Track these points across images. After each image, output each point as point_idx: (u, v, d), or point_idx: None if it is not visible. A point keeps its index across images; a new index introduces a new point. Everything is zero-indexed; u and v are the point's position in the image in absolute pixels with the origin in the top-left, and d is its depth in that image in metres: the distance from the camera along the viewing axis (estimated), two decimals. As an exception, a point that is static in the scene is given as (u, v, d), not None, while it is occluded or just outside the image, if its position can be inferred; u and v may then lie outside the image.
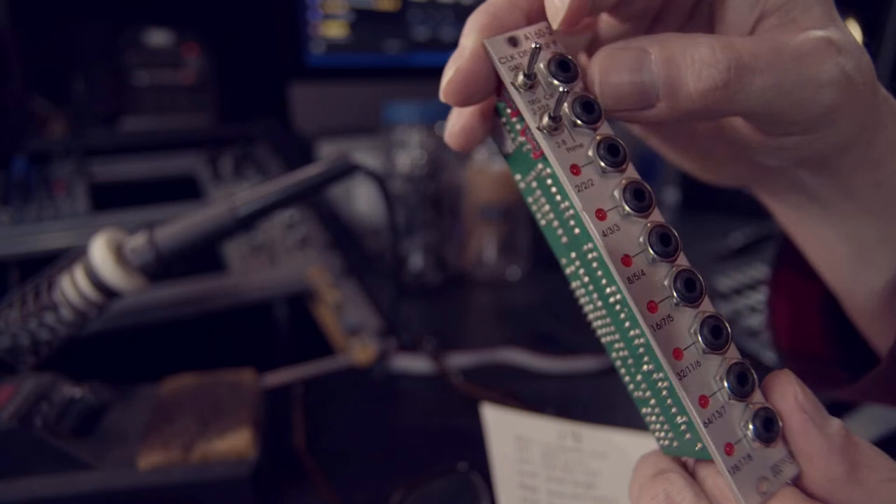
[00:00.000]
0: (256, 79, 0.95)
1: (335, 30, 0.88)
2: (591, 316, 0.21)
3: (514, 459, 0.41)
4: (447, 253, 0.79)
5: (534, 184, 0.21)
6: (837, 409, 0.45)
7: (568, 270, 0.21)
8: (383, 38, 0.92)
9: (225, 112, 0.92)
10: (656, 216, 0.19)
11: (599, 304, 0.20)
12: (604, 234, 0.18)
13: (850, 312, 0.31)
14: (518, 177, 0.22)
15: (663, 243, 0.18)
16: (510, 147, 0.22)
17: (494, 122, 0.23)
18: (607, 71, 0.20)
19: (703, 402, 0.18)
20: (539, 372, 0.53)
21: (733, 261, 0.80)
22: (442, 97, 0.21)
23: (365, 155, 0.74)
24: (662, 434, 0.20)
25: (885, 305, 0.28)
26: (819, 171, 0.25)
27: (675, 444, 0.19)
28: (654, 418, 0.20)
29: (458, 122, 0.23)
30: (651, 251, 0.18)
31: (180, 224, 0.39)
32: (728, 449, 0.18)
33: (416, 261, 0.76)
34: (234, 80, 0.94)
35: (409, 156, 0.75)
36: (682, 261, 0.19)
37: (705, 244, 0.86)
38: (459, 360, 0.54)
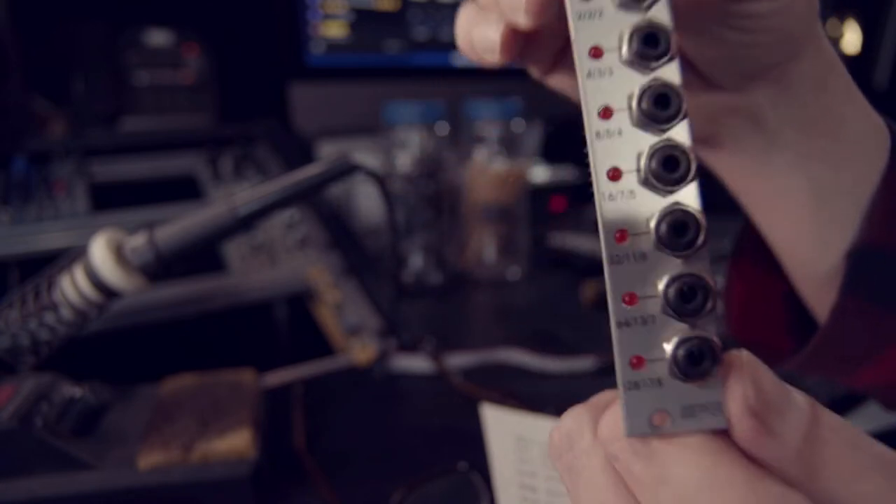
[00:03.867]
0: (256, 79, 0.95)
1: (335, 30, 0.88)
2: None
3: (514, 459, 0.41)
4: (447, 253, 0.79)
5: None
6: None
7: None
8: (383, 38, 0.92)
9: (225, 112, 0.92)
10: (669, 73, 0.16)
11: None
12: (589, 75, 0.16)
13: (805, 294, 0.31)
14: None
15: (658, 105, 0.16)
16: None
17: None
18: None
19: (628, 299, 0.16)
20: (539, 372, 0.53)
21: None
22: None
23: (365, 155, 0.74)
24: None
25: (832, 285, 0.28)
26: (777, 89, 0.26)
27: None
28: None
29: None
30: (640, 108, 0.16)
31: (180, 224, 0.39)
32: (635, 361, 0.16)
33: (416, 261, 0.76)
34: (234, 80, 0.94)
35: (409, 156, 0.75)
36: (680, 135, 0.16)
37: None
38: (459, 360, 0.54)
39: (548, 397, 0.49)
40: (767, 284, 0.33)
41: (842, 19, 1.27)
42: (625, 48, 0.16)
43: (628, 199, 0.16)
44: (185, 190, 0.64)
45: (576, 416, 0.18)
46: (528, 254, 0.81)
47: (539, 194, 0.95)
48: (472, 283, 0.78)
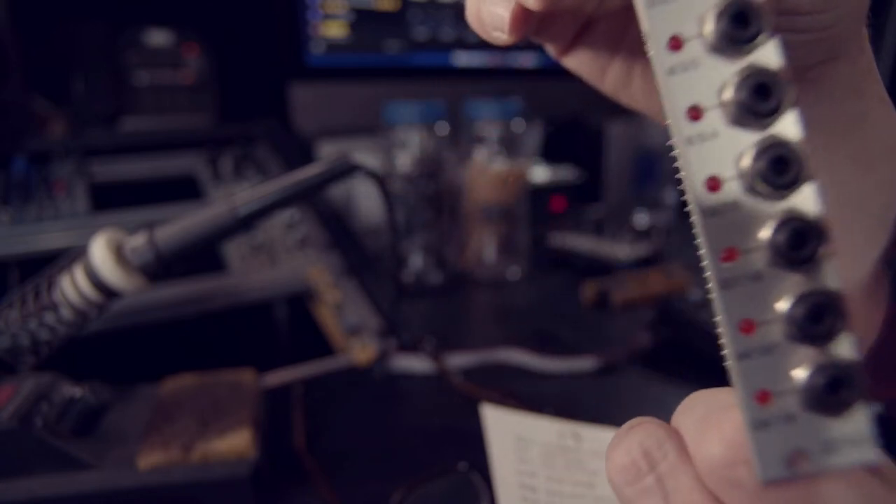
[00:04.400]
0: (256, 79, 0.95)
1: (335, 30, 0.88)
2: None
3: (514, 459, 0.40)
4: (447, 253, 0.79)
5: None
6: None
7: None
8: (383, 38, 0.92)
9: (225, 112, 0.92)
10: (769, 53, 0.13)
11: None
12: (670, 71, 0.14)
13: None
14: None
15: (758, 96, 0.13)
16: None
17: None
18: None
19: (745, 326, 0.14)
20: (539, 372, 0.53)
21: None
22: None
23: (365, 155, 0.74)
24: None
25: (865, 294, 0.28)
26: (811, 91, 0.25)
27: None
28: None
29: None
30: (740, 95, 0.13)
31: (180, 224, 0.39)
32: (761, 397, 0.14)
33: (416, 261, 0.76)
34: (234, 80, 0.94)
35: (409, 156, 0.75)
36: (788, 127, 0.14)
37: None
38: (459, 360, 0.54)
39: (548, 397, 0.49)
40: None
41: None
42: (709, 31, 0.14)
43: (732, 211, 0.14)
44: (185, 190, 0.64)
45: (650, 434, 0.16)
46: (528, 254, 0.81)
47: (539, 194, 0.95)
48: (472, 283, 0.78)
